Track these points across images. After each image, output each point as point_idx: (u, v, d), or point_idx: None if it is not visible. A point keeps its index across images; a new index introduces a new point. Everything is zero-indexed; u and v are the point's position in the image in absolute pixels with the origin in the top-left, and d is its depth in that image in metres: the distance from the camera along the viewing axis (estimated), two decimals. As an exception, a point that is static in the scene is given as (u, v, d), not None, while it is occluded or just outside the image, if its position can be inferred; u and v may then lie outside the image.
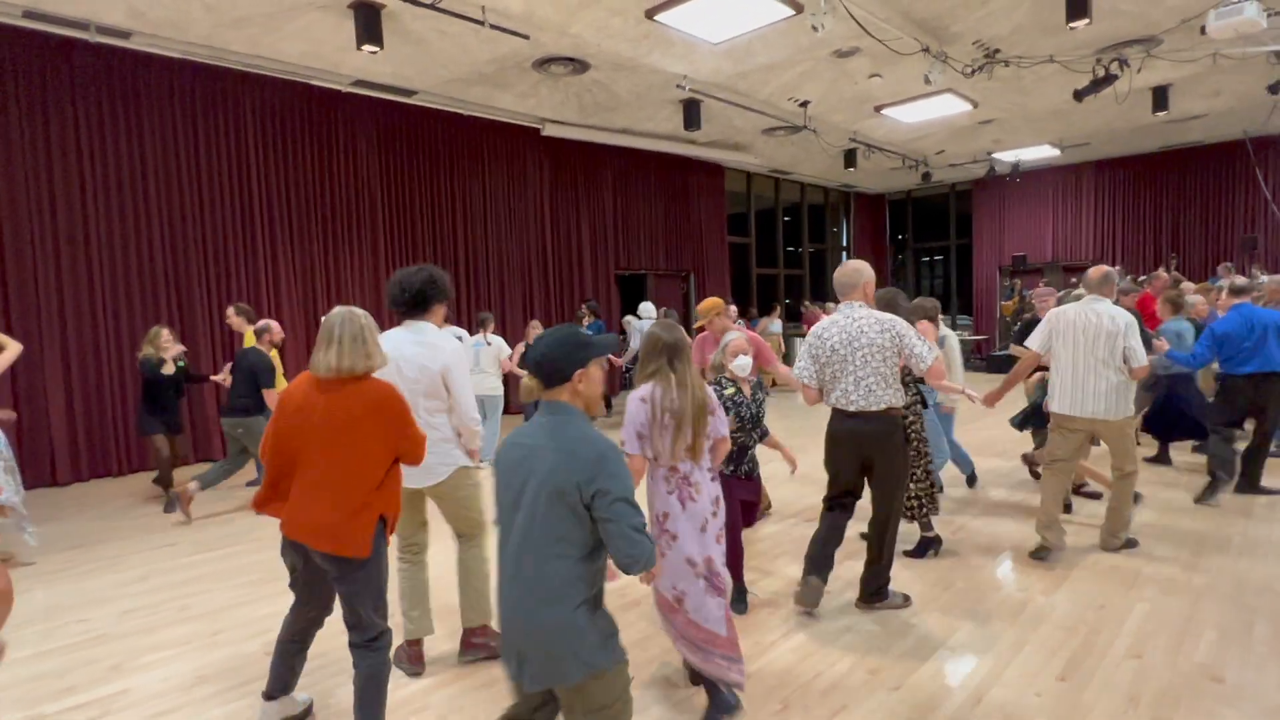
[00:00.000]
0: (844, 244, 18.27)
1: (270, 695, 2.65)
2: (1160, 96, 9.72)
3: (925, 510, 4.17)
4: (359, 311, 2.44)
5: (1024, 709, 2.63)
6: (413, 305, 2.94)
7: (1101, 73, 8.13)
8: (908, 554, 4.17)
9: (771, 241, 15.93)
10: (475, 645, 3.13)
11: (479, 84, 8.64)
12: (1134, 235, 14.77)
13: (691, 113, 9.40)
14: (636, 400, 2.58)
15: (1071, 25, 6.76)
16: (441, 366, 2.89)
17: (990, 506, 5.20)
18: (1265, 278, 7.77)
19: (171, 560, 4.62)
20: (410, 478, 2.82)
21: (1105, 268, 4.18)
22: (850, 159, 12.41)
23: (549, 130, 10.44)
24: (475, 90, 8.88)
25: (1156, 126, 11.94)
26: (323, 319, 2.44)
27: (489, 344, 7.00)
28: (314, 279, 8.62)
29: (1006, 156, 14.02)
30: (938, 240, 18.19)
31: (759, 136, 11.72)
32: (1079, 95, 8.38)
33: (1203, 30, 6.89)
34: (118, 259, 7.19)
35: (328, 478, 2.34)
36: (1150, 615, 3.35)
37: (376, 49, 6.48)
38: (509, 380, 7.61)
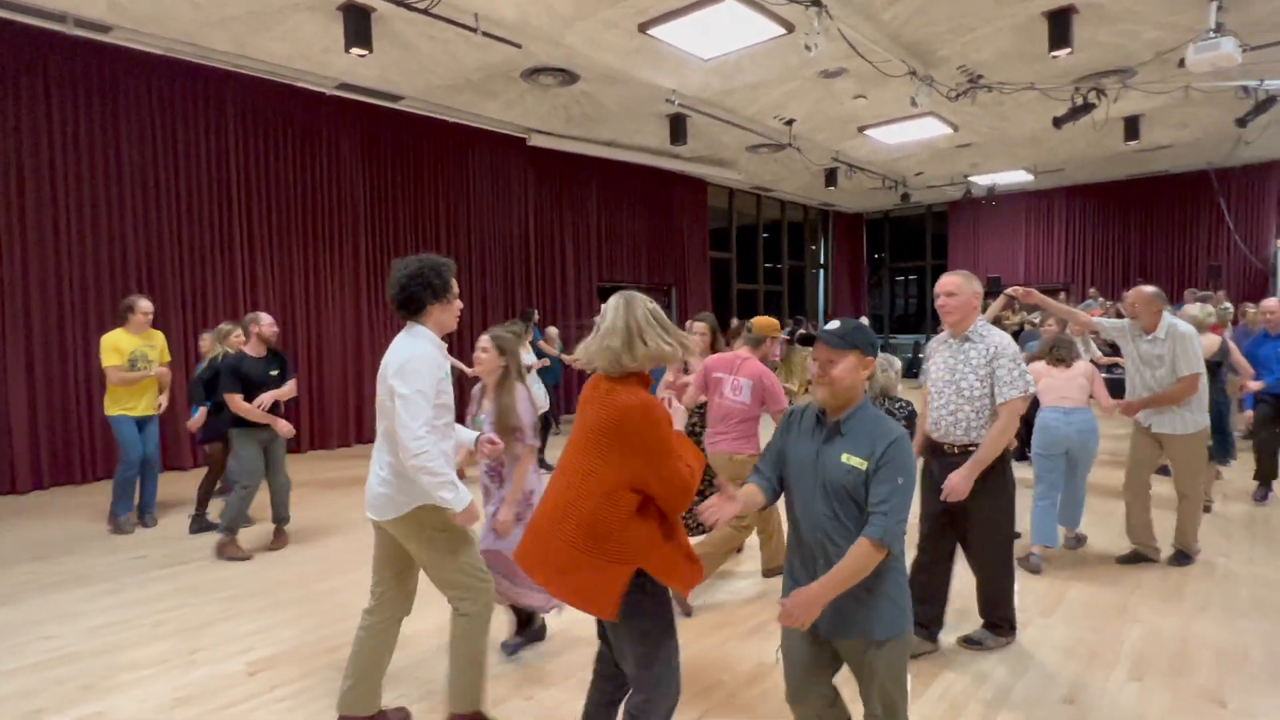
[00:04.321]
0: (822, 261, 18.48)
1: None
2: (1132, 126, 10.03)
3: None
4: (640, 296, 2.02)
5: None
6: (401, 305, 2.46)
7: (1080, 101, 8.35)
8: None
9: (752, 257, 16.04)
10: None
11: (466, 91, 8.57)
12: (1103, 260, 15.18)
13: (678, 127, 9.44)
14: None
15: (1054, 54, 6.94)
16: (408, 384, 2.34)
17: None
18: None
19: (143, 573, 4.42)
20: (372, 508, 2.48)
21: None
22: (831, 178, 12.58)
23: (535, 140, 10.40)
24: (461, 97, 8.80)
25: (1127, 155, 12.30)
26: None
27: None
28: (293, 284, 8.42)
29: (983, 180, 14.34)
30: (914, 260, 18.48)
31: (743, 153, 11.82)
32: (1058, 122, 8.60)
33: (1181, 63, 7.12)
34: (88, 260, 6.93)
35: (556, 514, 2.23)
36: (1146, 637, 3.37)
37: (365, 52, 6.38)
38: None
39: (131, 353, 5.20)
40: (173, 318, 7.41)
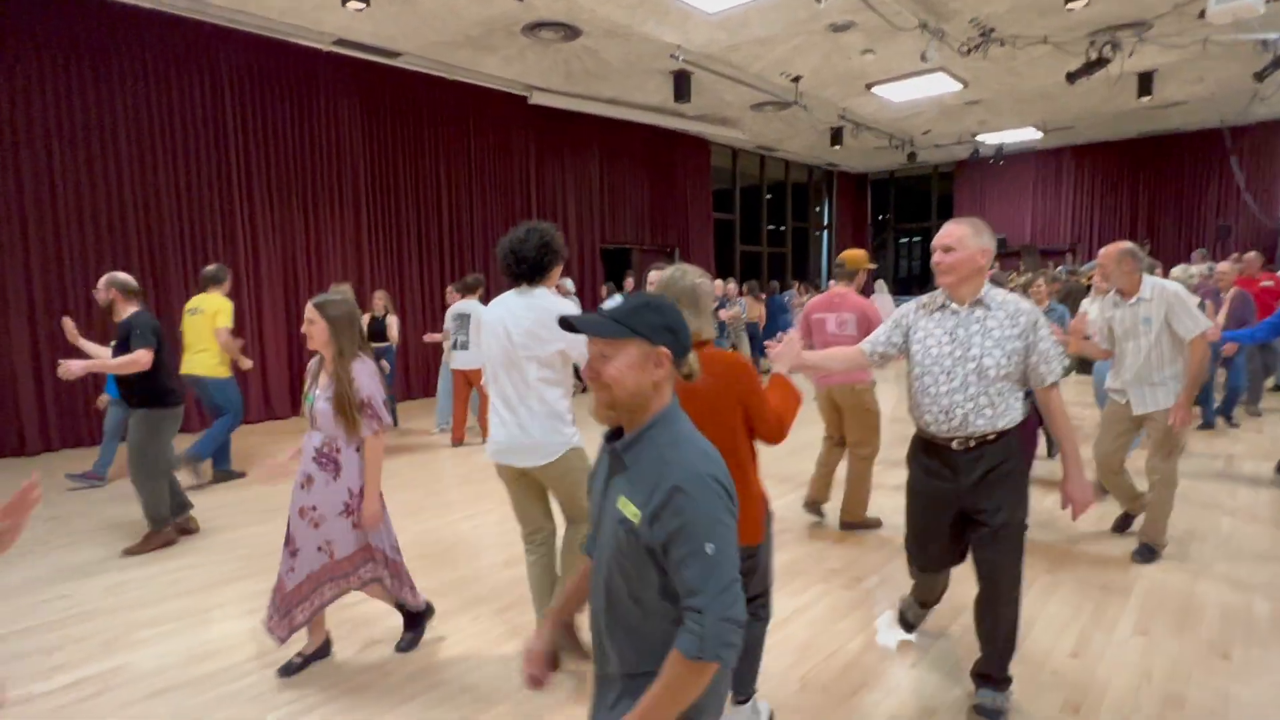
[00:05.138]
0: (826, 223, 18.30)
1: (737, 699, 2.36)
2: (1146, 81, 9.81)
3: None
4: (692, 269, 2.22)
5: (1040, 685, 2.66)
6: (520, 273, 2.72)
7: (1095, 55, 8.15)
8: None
9: (756, 219, 15.87)
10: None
11: (465, 47, 8.37)
12: (1110, 220, 15.02)
13: (682, 84, 9.23)
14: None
15: (1069, 6, 6.76)
16: (560, 337, 2.61)
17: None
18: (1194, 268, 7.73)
19: (155, 534, 4.46)
20: (514, 457, 2.69)
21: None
22: (837, 136, 12.37)
23: (536, 98, 10.19)
24: (461, 53, 8.60)
25: (1139, 112, 12.07)
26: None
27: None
28: (293, 243, 8.35)
29: (991, 139, 14.10)
30: (919, 221, 18.29)
31: (747, 111, 11.60)
32: (1072, 77, 8.41)
33: (1201, 14, 6.93)
34: (87, 221, 6.85)
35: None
36: (1151, 593, 3.41)
37: (362, 5, 6.22)
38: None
39: None
40: (173, 279, 7.36)
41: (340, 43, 8.07)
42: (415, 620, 3.05)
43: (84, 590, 3.65)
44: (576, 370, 2.86)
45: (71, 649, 3.06)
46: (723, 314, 9.83)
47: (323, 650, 2.93)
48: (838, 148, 12.78)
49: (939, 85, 10.20)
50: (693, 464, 1.24)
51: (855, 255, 4.32)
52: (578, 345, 2.65)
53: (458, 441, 6.87)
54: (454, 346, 6.64)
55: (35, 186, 6.56)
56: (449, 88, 9.48)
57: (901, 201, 18.55)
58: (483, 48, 8.44)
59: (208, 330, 5.27)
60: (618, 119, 11.34)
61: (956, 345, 2.38)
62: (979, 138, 14.01)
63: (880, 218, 18.99)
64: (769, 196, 16.01)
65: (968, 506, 2.42)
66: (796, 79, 9.84)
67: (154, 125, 7.20)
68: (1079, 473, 2.37)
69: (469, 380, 6.70)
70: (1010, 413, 2.37)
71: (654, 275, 3.79)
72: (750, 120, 12.22)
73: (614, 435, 1.37)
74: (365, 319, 6.45)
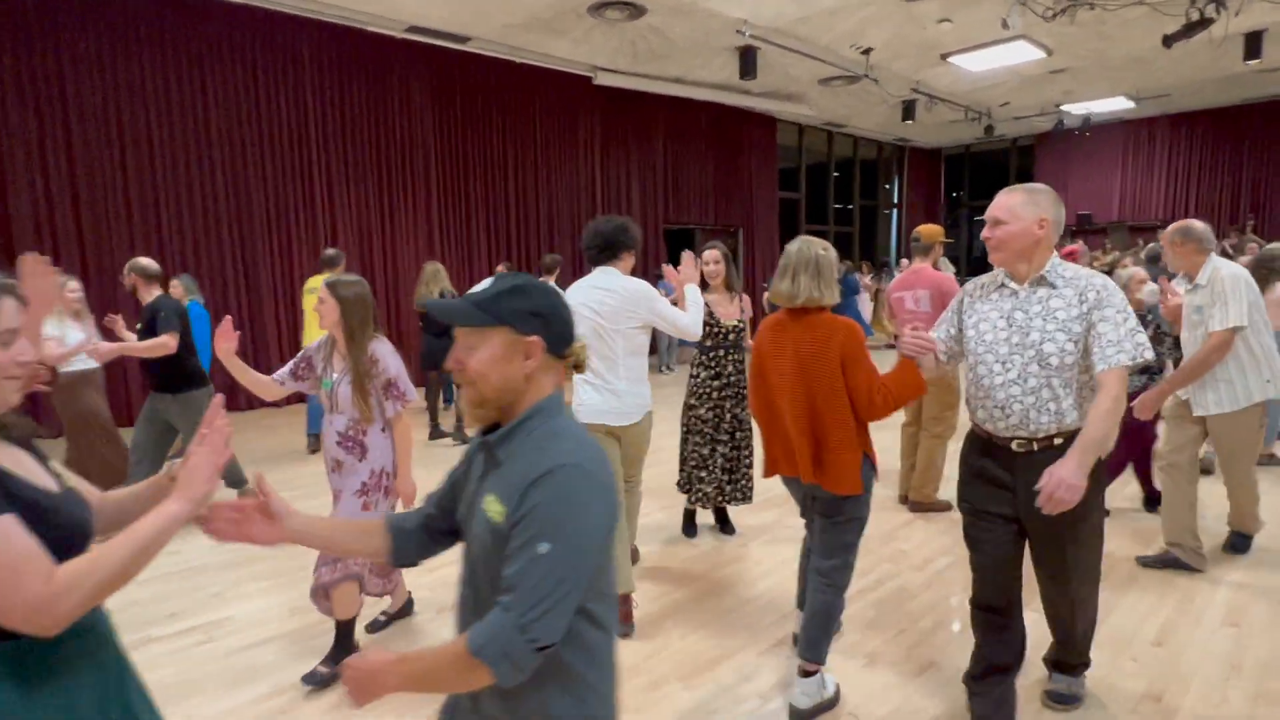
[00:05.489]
0: (895, 201, 17.75)
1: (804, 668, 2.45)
2: (1254, 43, 9.09)
3: None
4: (816, 241, 2.40)
5: (1119, 673, 2.59)
6: (601, 251, 2.99)
7: (1196, 16, 7.60)
8: None
9: (822, 197, 15.54)
10: (627, 616, 3.00)
11: (534, 30, 8.46)
12: (1209, 194, 14.05)
13: (748, 61, 9.10)
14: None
15: (1169, -37, 6.31)
16: (639, 305, 2.92)
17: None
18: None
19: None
20: (608, 418, 2.97)
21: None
22: (909, 111, 11.95)
23: (601, 79, 10.23)
24: (529, 36, 8.70)
25: (1245, 76, 11.21)
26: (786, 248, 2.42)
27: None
28: (368, 223, 8.69)
29: (1076, 109, 13.35)
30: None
31: (815, 86, 11.33)
32: (1169, 40, 7.88)
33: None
34: (184, 207, 7.32)
35: (810, 412, 2.34)
36: (1244, 584, 3.26)
37: (436, -8, 6.36)
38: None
39: None
40: (261, 262, 7.78)
41: (413, 29, 8.29)
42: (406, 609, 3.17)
43: (190, 547, 3.95)
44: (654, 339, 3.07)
45: (183, 599, 3.35)
46: None
47: (405, 609, 3.13)
48: (910, 122, 12.35)
49: (1021, 54, 9.72)
50: (569, 455, 1.09)
51: (931, 229, 4.29)
52: (656, 317, 2.94)
53: None
54: None
55: (139, 175, 7.03)
56: (516, 71, 9.62)
57: (976, 177, 17.80)
58: (551, 30, 8.52)
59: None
60: (682, 98, 11.26)
61: (1014, 330, 2.06)
62: (1063, 108, 13.28)
63: (954, 195, 18.28)
64: (836, 174, 15.63)
65: (1025, 520, 2.13)
66: (867, 51, 9.55)
67: (242, 113, 7.60)
68: (1083, 458, 1.91)
69: None
70: (1082, 407, 2.03)
71: (709, 254, 3.81)
72: (818, 96, 11.93)
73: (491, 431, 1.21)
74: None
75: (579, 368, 1.24)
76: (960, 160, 17.83)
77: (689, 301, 3.10)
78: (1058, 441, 2.04)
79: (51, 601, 1.00)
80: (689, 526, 4.10)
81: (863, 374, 2.26)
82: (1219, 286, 3.12)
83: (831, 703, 2.43)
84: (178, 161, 7.23)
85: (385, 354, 2.67)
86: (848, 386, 2.27)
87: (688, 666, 2.72)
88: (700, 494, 3.88)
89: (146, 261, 4.33)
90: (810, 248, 2.36)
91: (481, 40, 8.78)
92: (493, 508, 1.11)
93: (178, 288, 5.44)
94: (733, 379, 3.81)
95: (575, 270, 10.50)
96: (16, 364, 1.11)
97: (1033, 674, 2.54)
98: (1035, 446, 2.07)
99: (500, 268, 7.28)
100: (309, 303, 5.73)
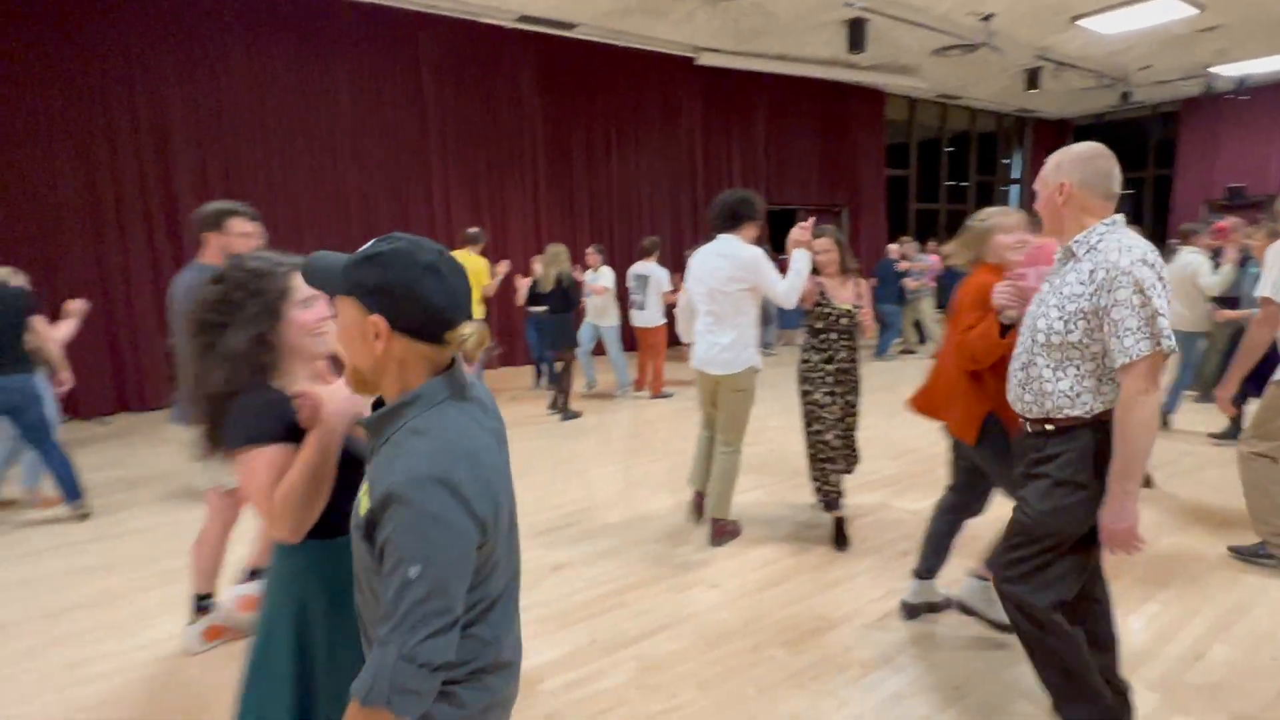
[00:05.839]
0: (1015, 176, 16.66)
1: (919, 575, 2.84)
2: None
3: None
4: (997, 212, 2.65)
5: (1256, 670, 2.44)
6: (724, 220, 3.34)
7: (1380, -41, 6.68)
8: None
9: (934, 174, 14.83)
10: (726, 532, 3.61)
11: (636, 13, 8.55)
12: (1393, 162, 12.34)
13: (857, 33, 8.78)
14: None
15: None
16: (748, 270, 3.26)
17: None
18: None
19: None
20: (711, 366, 3.39)
21: None
22: (1034, 79, 11.15)
23: (703, 59, 10.20)
24: (632, 20, 8.80)
25: None
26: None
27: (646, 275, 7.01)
28: (479, 206, 9.14)
29: (1229, 71, 12.03)
30: (1132, 171, 16.10)
31: (927, 57, 10.80)
32: (1345, -11, 6.96)
33: None
34: (315, 193, 7.97)
35: (943, 361, 2.64)
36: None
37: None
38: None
39: None
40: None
41: (523, 19, 8.58)
42: None
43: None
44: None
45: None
46: (908, 282, 9.45)
47: None
48: (1034, 92, 11.55)
49: (1165, 11, 8.87)
50: (421, 463, 0.99)
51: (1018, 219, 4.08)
52: (761, 279, 3.26)
53: (656, 394, 7.21)
54: (634, 307, 6.98)
55: (282, 168, 7.71)
56: (619, 55, 9.75)
57: (1111, 148, 16.25)
58: (653, 13, 8.58)
59: (475, 285, 6.12)
60: (785, 75, 11.04)
61: (1039, 303, 1.95)
62: (1214, 70, 12.00)
63: (1083, 168, 16.91)
64: (950, 149, 14.86)
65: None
66: (987, 17, 9.02)
67: (367, 103, 8.16)
68: (1122, 495, 1.75)
69: (646, 338, 7.03)
70: (1079, 398, 1.82)
71: (820, 243, 3.63)
72: (930, 67, 11.37)
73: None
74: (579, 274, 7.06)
75: (469, 358, 1.09)
76: (1091, 130, 16.44)
77: (792, 269, 3.24)
78: (1049, 428, 1.89)
79: (275, 520, 1.36)
80: (840, 539, 3.62)
81: (963, 320, 2.45)
82: (1271, 260, 2.96)
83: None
84: (310, 156, 7.87)
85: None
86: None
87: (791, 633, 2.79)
88: (829, 492, 3.59)
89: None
90: (987, 220, 2.59)
91: (587, 26, 8.96)
92: (363, 499, 1.05)
93: None
94: (847, 365, 3.51)
95: (676, 246, 10.57)
96: (318, 321, 1.50)
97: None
98: (1029, 428, 1.96)
99: (590, 250, 7.46)
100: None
